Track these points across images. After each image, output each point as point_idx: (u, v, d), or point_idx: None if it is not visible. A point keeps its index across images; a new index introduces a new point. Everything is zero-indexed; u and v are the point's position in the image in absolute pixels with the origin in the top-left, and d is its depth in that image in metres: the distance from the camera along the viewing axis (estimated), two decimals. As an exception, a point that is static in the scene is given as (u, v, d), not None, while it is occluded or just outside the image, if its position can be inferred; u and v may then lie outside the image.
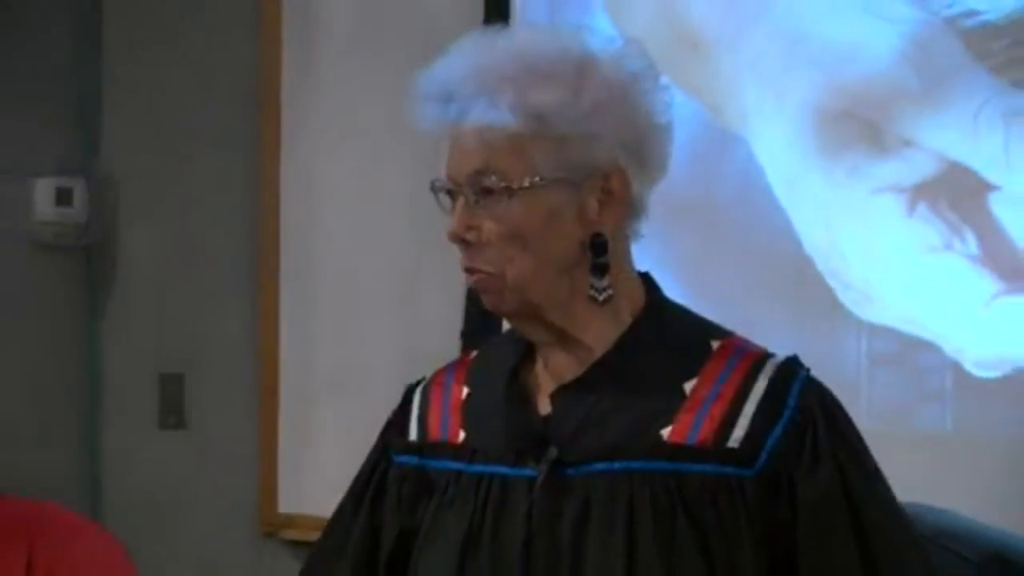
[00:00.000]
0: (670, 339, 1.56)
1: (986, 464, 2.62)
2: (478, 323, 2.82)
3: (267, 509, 3.23)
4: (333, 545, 1.65)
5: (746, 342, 1.58)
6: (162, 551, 3.08)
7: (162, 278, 3.35)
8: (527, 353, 1.59)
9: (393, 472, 1.63)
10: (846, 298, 2.72)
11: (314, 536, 1.69)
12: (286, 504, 3.20)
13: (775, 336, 2.68)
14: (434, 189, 1.54)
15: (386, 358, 3.02)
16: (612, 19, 2.88)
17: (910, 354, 2.67)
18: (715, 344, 1.56)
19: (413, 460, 1.61)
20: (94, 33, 3.34)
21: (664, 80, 1.56)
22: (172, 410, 3.35)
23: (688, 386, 1.52)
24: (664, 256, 2.80)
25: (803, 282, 2.73)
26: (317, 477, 3.15)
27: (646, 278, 1.62)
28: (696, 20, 2.82)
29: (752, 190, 2.77)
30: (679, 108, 2.73)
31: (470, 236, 1.51)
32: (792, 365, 1.55)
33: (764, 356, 1.55)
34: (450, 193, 1.53)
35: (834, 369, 2.70)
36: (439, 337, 2.82)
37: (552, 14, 2.95)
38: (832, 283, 2.73)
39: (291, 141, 3.16)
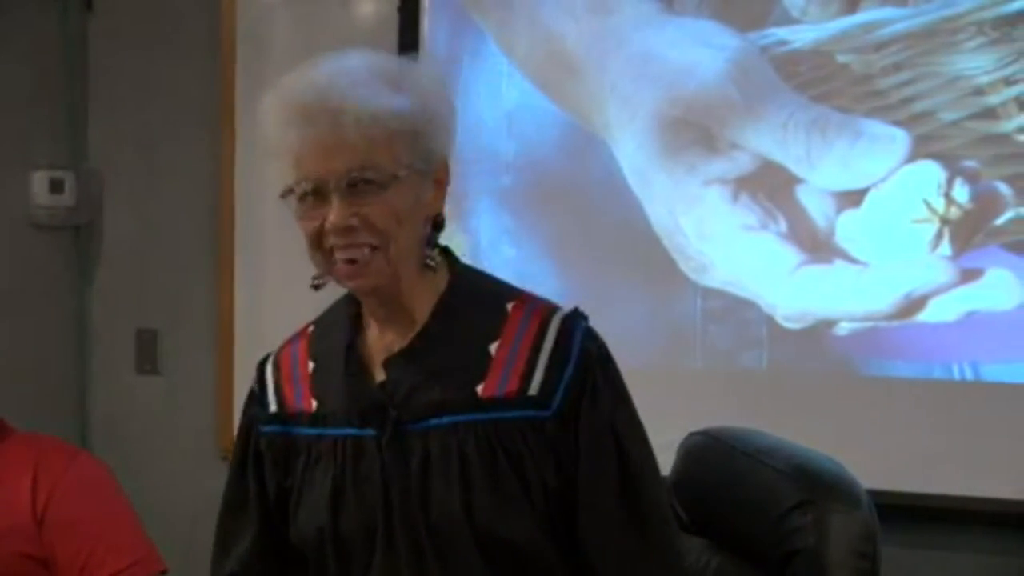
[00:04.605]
0: (473, 305, 1.53)
1: (792, 394, 2.68)
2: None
3: (224, 437, 3.21)
4: (236, 501, 1.63)
5: (534, 299, 1.55)
6: (139, 473, 3.05)
7: (138, 252, 3.31)
8: (357, 329, 1.56)
9: (263, 441, 1.60)
10: (685, 267, 2.76)
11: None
12: (240, 434, 3.18)
13: (629, 298, 2.76)
14: (287, 195, 1.47)
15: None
16: (499, 44, 2.87)
17: (735, 310, 2.71)
18: (509, 306, 1.52)
19: (278, 429, 1.58)
20: (81, 56, 3.29)
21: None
22: (147, 359, 3.31)
23: (492, 347, 1.49)
24: (540, 234, 2.85)
25: (651, 255, 2.76)
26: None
27: (446, 251, 1.58)
28: (569, 46, 2.81)
29: (612, 182, 2.78)
30: (554, 115, 2.81)
31: (353, 221, 1.43)
32: (573, 318, 1.52)
33: (551, 312, 1.52)
34: (311, 194, 1.44)
35: (676, 323, 2.76)
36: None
37: (452, 38, 2.93)
38: (674, 255, 2.76)
39: (243, 144, 3.13)
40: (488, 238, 2.87)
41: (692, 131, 2.69)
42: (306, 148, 1.43)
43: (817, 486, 1.61)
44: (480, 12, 2.90)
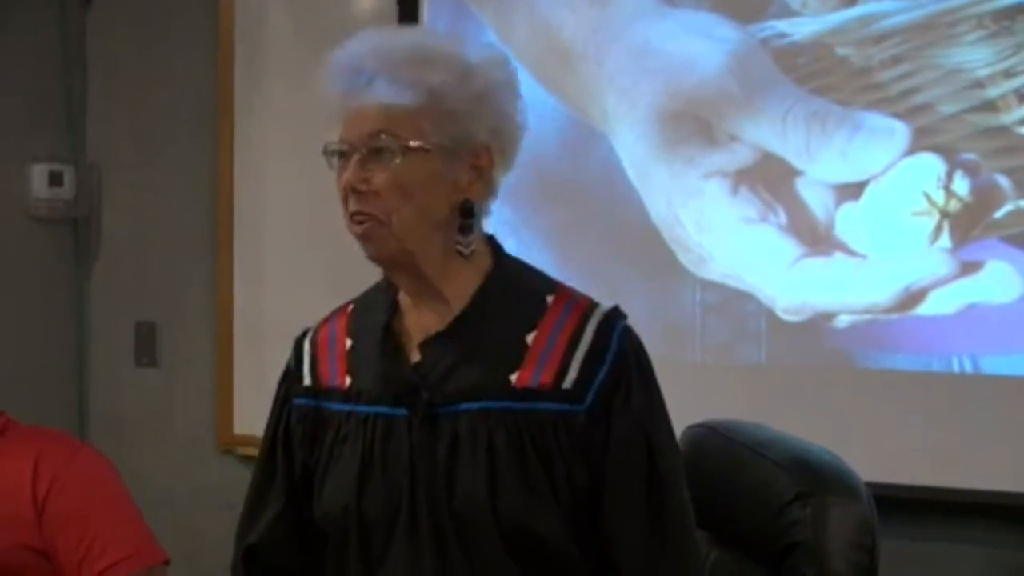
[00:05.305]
0: (513, 294, 1.53)
1: (791, 387, 2.68)
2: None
3: (224, 431, 3.22)
4: (265, 476, 1.63)
5: (574, 293, 1.55)
6: (137, 465, 3.06)
7: (137, 245, 3.31)
8: (395, 310, 1.56)
9: (295, 413, 1.60)
10: (684, 260, 2.76)
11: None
12: (240, 427, 3.19)
13: (627, 290, 2.77)
14: (327, 152, 1.51)
15: (317, 310, 3.01)
16: (497, 34, 2.87)
17: (733, 303, 2.72)
18: (550, 299, 1.53)
19: (310, 402, 1.59)
20: (80, 50, 3.29)
21: (521, 90, 1.53)
22: (146, 352, 3.32)
23: (530, 337, 1.50)
24: (539, 226, 2.85)
25: (651, 247, 2.77)
26: (264, 405, 3.13)
27: (491, 240, 1.58)
28: (567, 38, 2.82)
29: (611, 175, 2.79)
30: (553, 108, 2.82)
31: (362, 186, 1.47)
32: (613, 316, 1.52)
33: (590, 307, 1.53)
34: (342, 154, 1.49)
35: (674, 316, 2.77)
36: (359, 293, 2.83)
37: (451, 30, 2.92)
38: (673, 248, 2.76)
39: (242, 137, 3.14)
40: (487, 230, 2.88)
41: (691, 123, 2.69)
42: (344, 114, 1.49)
43: (816, 479, 1.62)
44: (479, 3, 2.91)
